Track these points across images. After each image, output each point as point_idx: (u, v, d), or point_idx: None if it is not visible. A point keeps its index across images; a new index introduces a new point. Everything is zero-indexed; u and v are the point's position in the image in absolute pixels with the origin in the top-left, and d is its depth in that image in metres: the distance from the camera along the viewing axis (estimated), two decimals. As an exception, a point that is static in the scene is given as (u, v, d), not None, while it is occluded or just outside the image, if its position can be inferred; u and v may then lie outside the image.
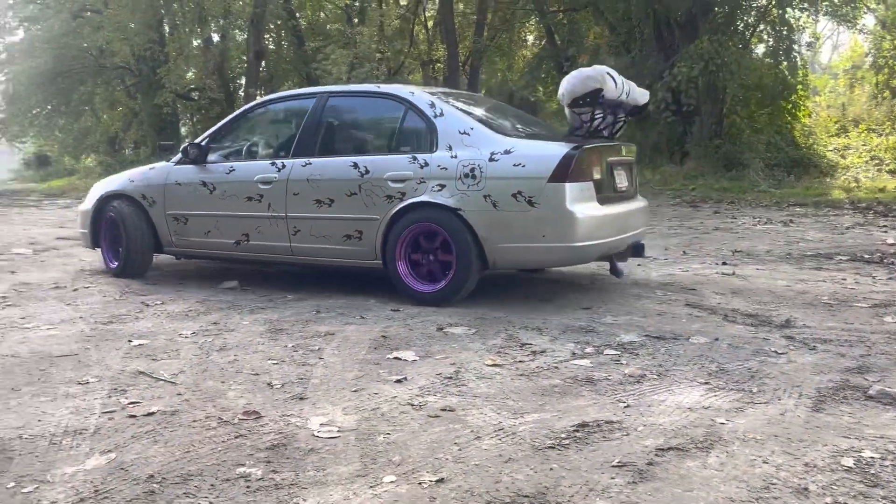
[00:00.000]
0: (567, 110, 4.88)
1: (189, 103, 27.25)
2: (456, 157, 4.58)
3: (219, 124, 5.80)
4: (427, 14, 37.48)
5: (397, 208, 4.67)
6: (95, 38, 22.20)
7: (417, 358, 3.51)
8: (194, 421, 2.73)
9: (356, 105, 5.50)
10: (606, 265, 5.24)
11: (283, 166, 5.13)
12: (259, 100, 6.00)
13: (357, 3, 26.92)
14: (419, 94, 4.96)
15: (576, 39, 24.18)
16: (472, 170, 4.50)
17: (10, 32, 26.63)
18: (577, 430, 2.66)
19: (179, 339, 3.90)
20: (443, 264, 4.65)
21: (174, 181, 5.58)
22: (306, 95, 5.63)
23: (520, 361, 3.47)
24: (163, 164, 5.79)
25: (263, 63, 27.47)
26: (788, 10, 15.98)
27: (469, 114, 4.85)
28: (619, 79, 4.84)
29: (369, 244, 4.81)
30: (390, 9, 26.41)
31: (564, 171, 4.34)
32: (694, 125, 15.42)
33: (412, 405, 2.91)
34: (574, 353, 3.60)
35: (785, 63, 16.14)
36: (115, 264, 5.83)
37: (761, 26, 16.64)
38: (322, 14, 32.33)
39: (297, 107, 5.59)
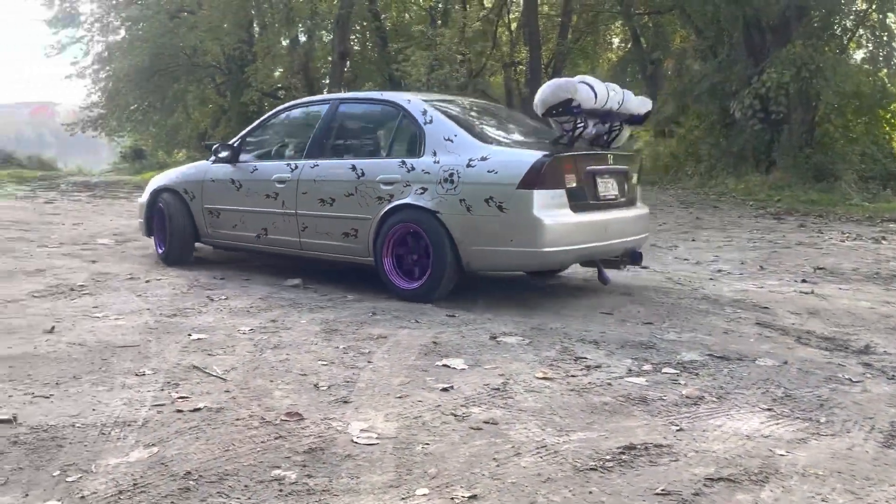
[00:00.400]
0: (551, 120, 4.97)
1: (275, 101, 27.98)
2: (438, 162, 4.80)
3: (250, 126, 6.24)
4: (511, 16, 37.41)
5: (385, 209, 4.95)
6: (190, 37, 23.06)
7: (466, 367, 3.46)
8: (237, 419, 2.76)
9: (361, 111, 5.83)
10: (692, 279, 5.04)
11: (296, 167, 5.52)
12: (283, 105, 6.47)
13: (441, 5, 27.05)
14: (414, 102, 5.22)
15: (661, 43, 23.61)
16: (451, 175, 4.71)
17: (114, 32, 27.95)
18: (623, 453, 2.55)
19: (237, 335, 3.97)
20: (423, 263, 4.86)
21: (210, 178, 6.09)
22: (321, 101, 6.08)
23: (572, 376, 3.37)
24: (203, 162, 6.34)
25: (348, 63, 27.99)
26: (890, 14, 15.10)
27: (458, 121, 5.04)
28: (604, 88, 4.94)
29: (363, 242, 5.11)
30: (473, 10, 26.40)
31: (533, 179, 4.47)
32: (782, 133, 14.75)
33: (455, 415, 2.85)
34: (630, 370, 3.47)
35: (885, 70, 15.26)
36: (162, 250, 6.38)
37: (860, 31, 15.78)
38: (407, 15, 32.69)
39: (313, 112, 5.94)
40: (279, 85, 27.52)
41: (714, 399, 3.10)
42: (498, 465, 2.44)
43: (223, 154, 6.00)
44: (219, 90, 28.96)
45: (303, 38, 27.85)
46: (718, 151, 16.51)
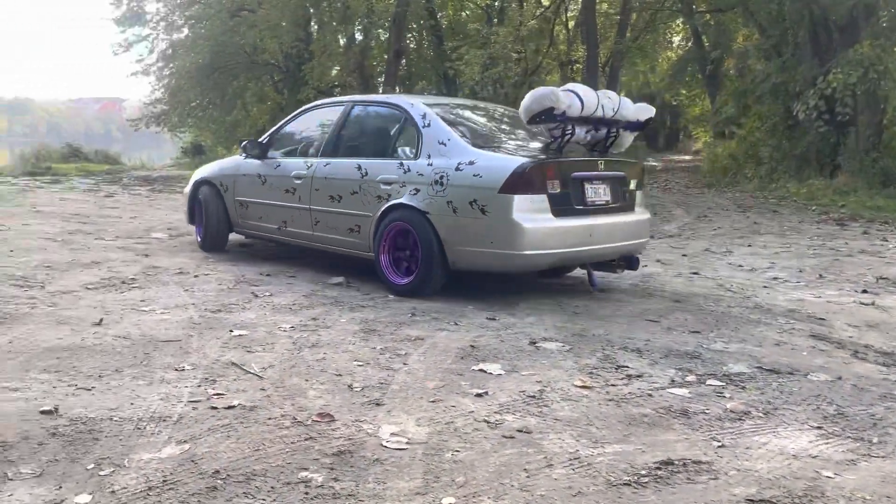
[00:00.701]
0: (542, 127, 5.03)
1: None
2: (431, 164, 5.03)
3: (278, 125, 6.62)
4: (568, 14, 37.01)
5: (384, 208, 5.20)
6: (249, 35, 23.48)
7: (503, 372, 3.40)
8: (269, 419, 2.77)
9: (371, 113, 6.07)
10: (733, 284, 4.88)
11: (311, 165, 5.85)
12: (306, 105, 6.79)
13: (497, 3, 26.92)
14: (417, 105, 5.44)
15: (723, 41, 23.01)
16: (441, 177, 4.92)
17: (177, 30, 28.67)
18: (660, 468, 2.46)
19: (277, 332, 4.00)
20: (414, 261, 5.07)
21: (241, 172, 6.52)
22: (338, 103, 6.31)
23: (611, 385, 3.28)
24: (236, 157, 6.77)
25: (403, 62, 28.13)
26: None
27: (454, 125, 5.24)
28: (593, 96, 5.01)
29: (365, 237, 5.37)
30: (530, 8, 26.20)
31: (514, 183, 4.62)
32: (848, 136, 14.20)
33: (488, 423, 2.80)
34: (673, 381, 3.36)
35: (958, 72, 14.52)
36: (200, 238, 6.90)
37: (933, 31, 15.06)
38: (463, 13, 32.65)
39: (331, 112, 6.21)
40: (335, 83, 27.82)
41: (760, 414, 2.98)
42: (528, 477, 2.38)
43: (252, 150, 6.39)
44: (277, 88, 29.42)
45: (359, 37, 28.10)
46: (780, 154, 16.00)
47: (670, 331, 4.26)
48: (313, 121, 6.39)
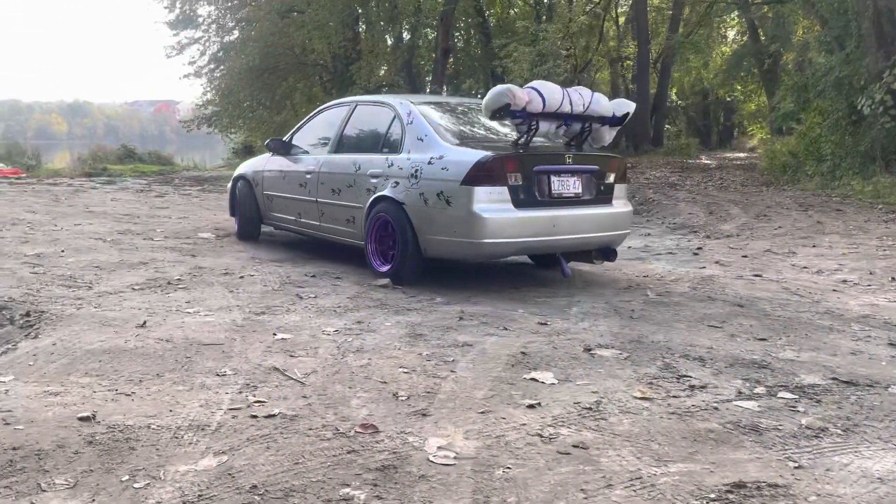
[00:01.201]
0: (511, 122, 5.30)
1: (379, 99, 28.34)
2: (410, 159, 5.37)
3: (299, 124, 7.14)
4: (619, 10, 36.40)
5: (371, 199, 5.55)
6: (298, 36, 23.63)
7: (556, 381, 3.21)
8: (310, 429, 2.64)
9: (369, 112, 6.32)
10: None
11: (319, 161, 6.34)
12: (323, 105, 7.35)
13: (546, 0, 26.58)
14: (404, 104, 5.81)
15: (781, 35, 22.25)
16: (416, 171, 5.26)
17: (228, 33, 29.06)
18: (731, 492, 2.25)
19: (321, 335, 3.88)
20: (395, 249, 5.39)
21: (268, 168, 7.10)
22: (346, 103, 6.72)
23: (674, 396, 3.06)
24: (266, 155, 7.30)
25: (451, 60, 28.02)
26: None
27: (433, 122, 5.55)
28: (559, 93, 5.19)
29: (358, 227, 5.74)
30: (580, 4, 25.81)
31: (475, 176, 4.91)
32: (917, 131, 13.52)
33: (541, 437, 2.62)
34: (740, 393, 3.12)
35: None
36: (237, 228, 7.59)
37: None
38: (511, 11, 32.38)
39: (340, 112, 6.60)
40: (383, 83, 27.87)
41: (839, 431, 2.73)
42: (586, 497, 2.20)
43: (276, 148, 7.01)
44: (325, 88, 29.61)
45: (406, 36, 28.09)
46: (843, 150, 15.33)
47: (734, 338, 4.00)
48: (326, 120, 6.75)
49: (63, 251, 6.23)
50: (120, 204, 10.52)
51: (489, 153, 5.03)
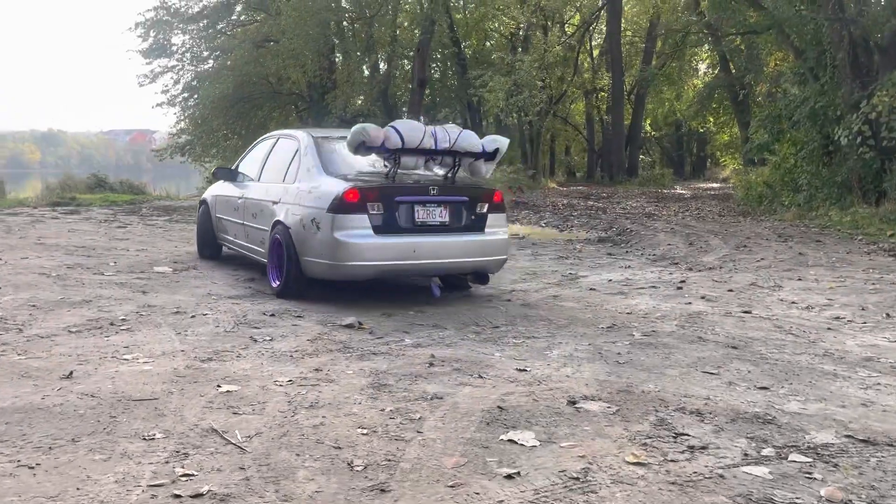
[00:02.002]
0: (380, 157, 5.82)
1: (354, 128, 27.99)
2: (298, 188, 6.00)
3: (244, 153, 7.88)
4: (593, 42, 36.67)
5: (272, 223, 6.15)
6: (273, 65, 23.32)
7: (538, 443, 2.80)
8: (244, 512, 2.20)
9: (285, 144, 6.82)
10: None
11: (247, 187, 7.00)
12: (260, 138, 7.93)
13: (521, 32, 26.63)
14: (305, 138, 6.41)
15: (754, 66, 22.37)
16: (300, 198, 5.88)
17: (203, 61, 28.68)
18: (751, 592, 1.84)
19: (272, 387, 3.44)
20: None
21: (218, 194, 7.76)
22: (273, 136, 7.38)
23: (671, 461, 2.66)
24: (220, 181, 7.90)
25: (427, 90, 27.88)
26: None
27: (322, 155, 6.11)
28: (419, 132, 5.66)
29: (266, 248, 6.25)
30: (554, 37, 25.85)
31: (337, 205, 5.48)
32: (895, 162, 13.46)
33: (521, 517, 2.21)
34: (746, 455, 2.73)
35: None
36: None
37: (984, 50, 14.30)
38: (487, 43, 32.43)
39: (268, 143, 7.29)
40: (360, 112, 27.62)
41: (865, 504, 2.35)
42: None
43: (222, 175, 7.80)
44: (301, 118, 29.28)
45: (383, 66, 27.93)
46: (819, 181, 15.26)
47: (732, 386, 3.62)
48: (261, 150, 7.37)
49: (0, 288, 5.72)
50: (77, 235, 9.98)
51: (350, 185, 5.57)
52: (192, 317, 5.01)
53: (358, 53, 25.85)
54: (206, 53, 28.25)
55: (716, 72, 33.53)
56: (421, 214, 5.72)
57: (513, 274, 7.70)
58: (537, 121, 31.89)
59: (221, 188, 7.69)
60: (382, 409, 3.13)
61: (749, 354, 4.25)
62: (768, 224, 13.91)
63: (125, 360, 3.84)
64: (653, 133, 42.53)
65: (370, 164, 6.11)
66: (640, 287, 6.93)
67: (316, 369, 3.76)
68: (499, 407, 3.18)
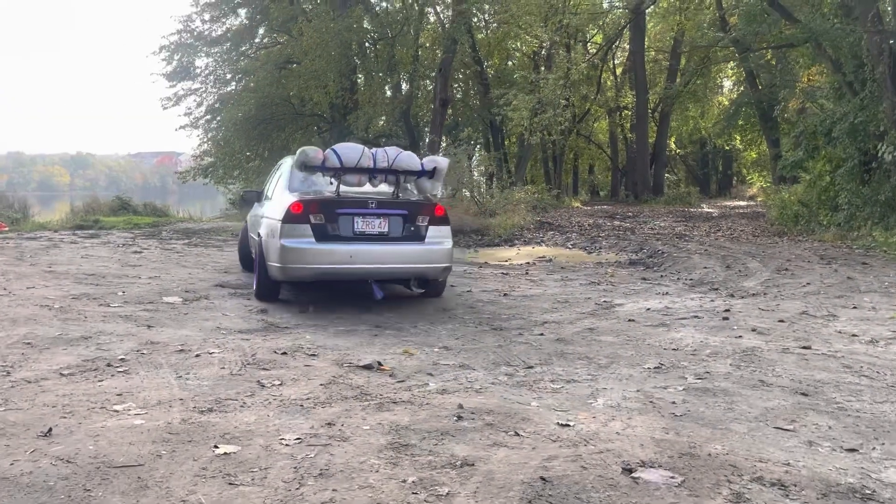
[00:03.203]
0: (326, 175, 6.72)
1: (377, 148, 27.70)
2: (271, 204, 7.00)
3: (268, 177, 8.75)
4: (616, 61, 36.22)
5: (257, 234, 7.15)
6: (295, 86, 23.16)
7: (593, 529, 2.31)
8: None
9: (282, 168, 7.69)
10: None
11: (262, 206, 7.69)
12: (278, 163, 8.48)
13: (544, 51, 26.25)
14: (289, 160, 7.37)
15: (786, 81, 21.75)
16: (270, 212, 6.80)
17: (226, 84, 28.65)
18: None
19: (277, 447, 2.98)
20: None
21: (251, 213, 8.56)
22: (284, 161, 7.95)
23: (759, 554, 2.15)
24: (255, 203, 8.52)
25: (449, 110, 27.56)
26: None
27: (293, 175, 7.01)
28: (355, 153, 6.53)
29: (260, 256, 6.89)
30: (578, 55, 25.45)
31: (286, 217, 6.28)
32: (941, 179, 12.79)
33: None
34: (850, 546, 2.22)
35: None
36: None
37: None
38: (510, 63, 32.12)
39: (278, 167, 8.12)
40: (383, 133, 27.37)
41: None
42: None
43: (247, 198, 8.77)
44: (324, 139, 29.10)
45: (405, 86, 27.70)
46: (860, 199, 14.60)
47: (814, 447, 3.10)
48: (275, 173, 8.10)
49: (-5, 323, 5.36)
50: (89, 262, 9.66)
51: (297, 199, 6.38)
52: (197, 356, 4.58)
53: (380, 74, 25.63)
54: (228, 76, 28.25)
55: (742, 88, 32.92)
56: (360, 225, 6.44)
57: (544, 302, 7.21)
58: (561, 139, 31.51)
59: (253, 208, 8.48)
60: (403, 481, 2.65)
61: (823, 403, 3.72)
62: (807, 245, 13.28)
63: (115, 411, 3.41)
64: (678, 151, 41.88)
65: (332, 183, 6.75)
66: (681, 317, 6.41)
67: (328, 423, 3.30)
68: (541, 478, 2.68)
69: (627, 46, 33.15)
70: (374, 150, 6.71)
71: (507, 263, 11.14)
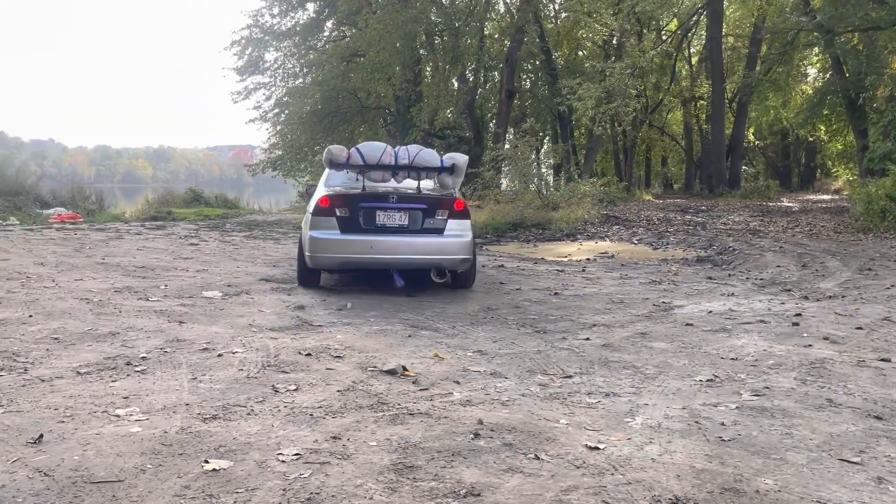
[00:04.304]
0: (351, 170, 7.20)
1: (440, 141, 27.50)
2: (312, 197, 7.51)
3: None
4: (692, 49, 34.87)
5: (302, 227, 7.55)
6: (358, 79, 23.14)
7: (604, 585, 1.96)
8: None
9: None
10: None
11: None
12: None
13: (615, 40, 25.42)
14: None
15: (874, 68, 20.37)
16: (309, 207, 7.20)
17: (294, 77, 28.96)
18: None
19: (272, 464, 2.74)
20: None
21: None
22: None
23: None
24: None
25: (516, 101, 27.07)
26: None
27: (330, 172, 7.56)
28: (377, 151, 7.00)
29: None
30: (647, 43, 24.53)
31: (316, 210, 6.83)
32: None
33: None
34: None
35: None
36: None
37: None
38: (580, 52, 31.33)
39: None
40: (450, 125, 27.15)
41: None
42: None
43: (309, 192, 8.42)
44: (390, 131, 29.08)
45: (470, 77, 27.36)
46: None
47: (884, 485, 2.65)
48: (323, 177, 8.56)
49: (31, 316, 5.33)
50: (144, 253, 9.75)
51: (325, 193, 6.94)
52: (220, 355, 4.40)
53: (447, 66, 25.35)
54: (297, 69, 28.53)
55: (827, 76, 31.16)
56: (382, 218, 6.87)
57: (596, 302, 6.80)
58: (631, 130, 30.53)
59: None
60: (399, 511, 2.37)
61: (902, 431, 3.23)
62: (894, 243, 12.32)
63: (116, 416, 3.24)
64: (757, 142, 40.11)
65: (366, 180, 7.14)
66: (746, 322, 5.90)
67: (334, 437, 3.04)
68: (556, 514, 2.35)
69: (703, 34, 31.83)
70: (396, 148, 7.15)
71: (565, 259, 10.71)
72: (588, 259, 10.72)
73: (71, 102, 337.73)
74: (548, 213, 16.02)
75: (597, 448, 2.94)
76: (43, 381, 3.77)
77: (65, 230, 13.75)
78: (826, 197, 28.34)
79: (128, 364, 4.16)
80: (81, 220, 18.19)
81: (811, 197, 28.34)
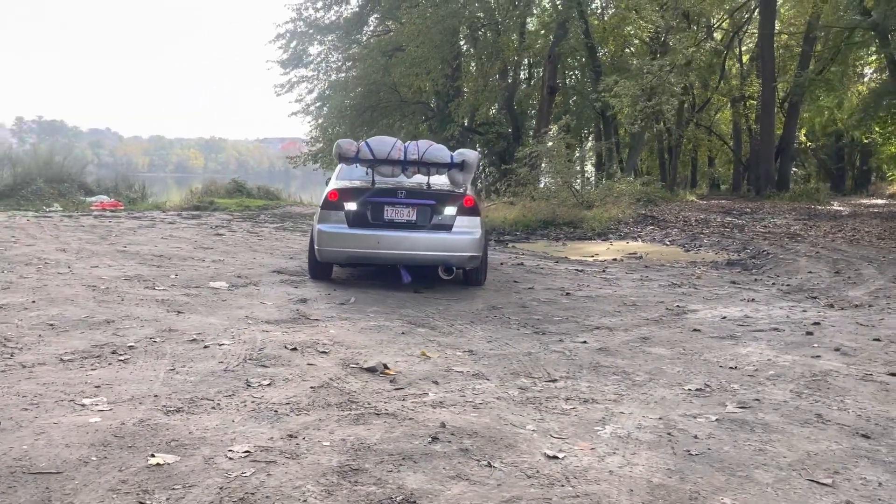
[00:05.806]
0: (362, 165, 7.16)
1: (479, 137, 27.35)
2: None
3: None
4: (742, 47, 33.95)
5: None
6: (398, 73, 23.14)
7: None
8: None
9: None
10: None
11: None
12: None
13: (662, 37, 24.88)
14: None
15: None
16: (320, 201, 7.17)
17: (337, 71, 29.15)
18: None
19: (219, 461, 2.70)
20: None
21: None
22: None
23: None
24: None
25: (558, 98, 26.74)
26: None
27: (345, 168, 7.48)
28: (386, 146, 6.90)
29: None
30: (690, 39, 23.92)
31: (325, 204, 6.91)
32: None
33: None
34: None
35: None
36: None
37: None
38: (627, 49, 30.80)
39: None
40: (491, 121, 27.00)
41: None
42: None
43: None
44: (430, 127, 29.04)
45: (510, 73, 27.15)
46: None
47: (852, 511, 2.48)
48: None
49: (34, 302, 5.42)
50: (167, 242, 9.89)
51: (334, 187, 6.97)
52: (205, 347, 4.40)
53: (488, 62, 25.17)
54: (339, 63, 28.70)
55: (884, 76, 29.99)
56: (389, 213, 6.85)
57: (607, 304, 6.63)
58: (676, 129, 29.88)
59: None
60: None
61: (886, 450, 3.04)
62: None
63: (81, 405, 3.25)
64: (809, 144, 38.91)
65: (380, 173, 7.07)
66: (758, 329, 5.68)
67: (290, 435, 2.99)
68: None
69: (755, 31, 30.98)
70: (407, 143, 7.04)
71: (590, 259, 10.52)
72: (614, 259, 10.51)
73: (129, 97, 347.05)
74: (581, 211, 15.77)
75: (555, 457, 2.83)
76: (24, 367, 3.82)
77: (102, 217, 14.07)
78: (880, 201, 27.35)
79: (113, 353, 4.19)
80: (122, 208, 18.61)
81: (864, 201, 27.38)
